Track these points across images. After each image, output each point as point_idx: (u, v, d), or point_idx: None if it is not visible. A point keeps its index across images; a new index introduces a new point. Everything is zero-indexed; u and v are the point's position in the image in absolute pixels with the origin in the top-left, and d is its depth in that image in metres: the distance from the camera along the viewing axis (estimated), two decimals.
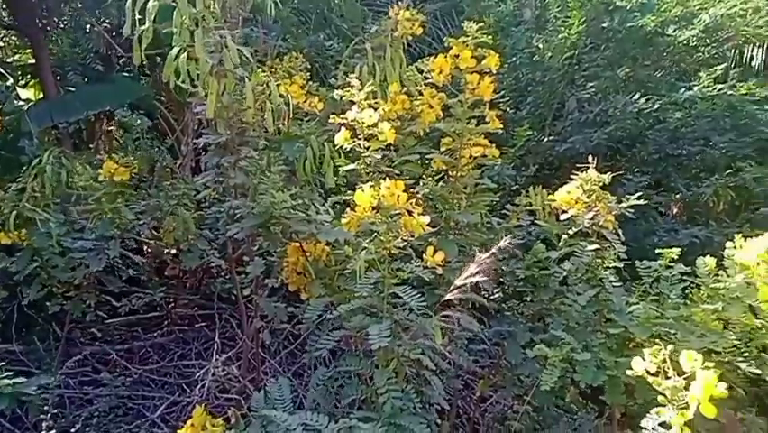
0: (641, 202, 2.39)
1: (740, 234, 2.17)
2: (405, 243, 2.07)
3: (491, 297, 3.17)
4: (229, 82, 2.40)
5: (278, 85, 2.74)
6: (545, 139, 4.88)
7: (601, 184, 2.39)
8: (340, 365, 2.11)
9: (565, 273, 2.39)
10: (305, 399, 2.60)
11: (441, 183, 2.82)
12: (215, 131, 2.56)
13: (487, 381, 2.86)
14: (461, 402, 3.44)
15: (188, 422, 1.86)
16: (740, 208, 5.25)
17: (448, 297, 2.05)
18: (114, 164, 3.25)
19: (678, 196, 4.74)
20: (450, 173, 2.78)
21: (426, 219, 2.12)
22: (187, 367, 3.68)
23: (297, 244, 2.49)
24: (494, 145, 2.82)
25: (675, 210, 5.87)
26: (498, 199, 2.75)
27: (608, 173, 2.49)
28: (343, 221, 2.18)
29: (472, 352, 2.98)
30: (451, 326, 2.65)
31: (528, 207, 2.95)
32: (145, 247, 3.92)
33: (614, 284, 2.30)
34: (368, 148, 2.39)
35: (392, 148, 2.75)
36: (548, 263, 2.60)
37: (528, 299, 2.83)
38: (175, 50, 2.25)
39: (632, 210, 2.47)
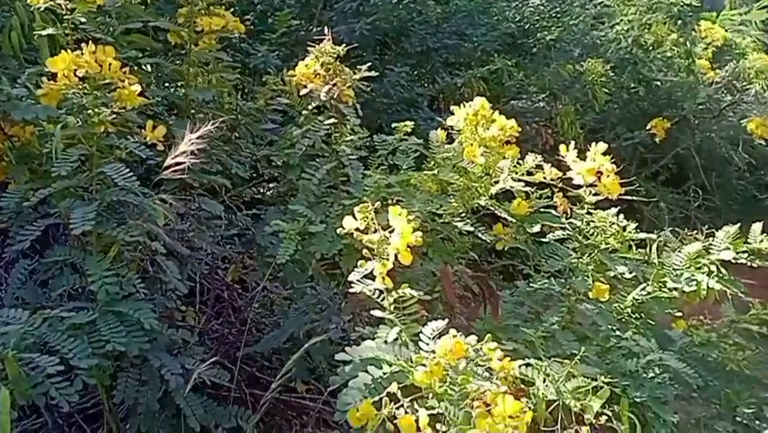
0: (373, 74, 2.41)
1: None
2: (115, 116, 1.85)
3: (249, 185, 3.11)
4: None
5: None
6: (314, 29, 4.75)
7: (337, 56, 2.35)
8: (47, 256, 1.88)
9: (304, 149, 2.37)
10: None
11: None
12: None
13: (238, 265, 2.82)
14: (229, 293, 3.40)
15: None
16: (495, 100, 5.75)
17: (165, 175, 1.90)
18: None
19: (436, 86, 5.01)
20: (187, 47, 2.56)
21: (137, 88, 1.91)
22: None
23: None
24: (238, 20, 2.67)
25: (450, 102, 6.27)
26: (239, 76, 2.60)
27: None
28: (39, 92, 1.87)
29: (227, 238, 2.91)
30: (194, 211, 2.54)
31: (279, 88, 2.86)
32: None
33: (350, 157, 2.33)
34: (72, 10, 2.06)
35: (113, 16, 2.44)
36: (295, 141, 2.56)
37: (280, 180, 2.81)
38: None
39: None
